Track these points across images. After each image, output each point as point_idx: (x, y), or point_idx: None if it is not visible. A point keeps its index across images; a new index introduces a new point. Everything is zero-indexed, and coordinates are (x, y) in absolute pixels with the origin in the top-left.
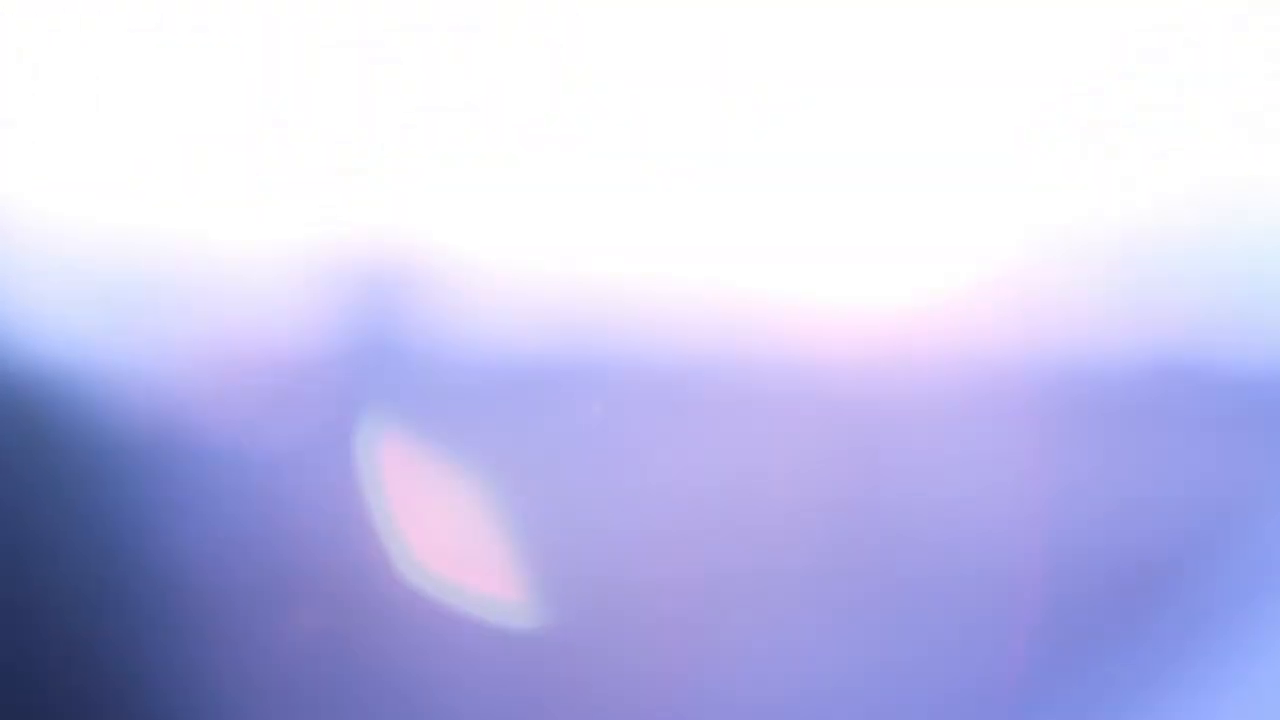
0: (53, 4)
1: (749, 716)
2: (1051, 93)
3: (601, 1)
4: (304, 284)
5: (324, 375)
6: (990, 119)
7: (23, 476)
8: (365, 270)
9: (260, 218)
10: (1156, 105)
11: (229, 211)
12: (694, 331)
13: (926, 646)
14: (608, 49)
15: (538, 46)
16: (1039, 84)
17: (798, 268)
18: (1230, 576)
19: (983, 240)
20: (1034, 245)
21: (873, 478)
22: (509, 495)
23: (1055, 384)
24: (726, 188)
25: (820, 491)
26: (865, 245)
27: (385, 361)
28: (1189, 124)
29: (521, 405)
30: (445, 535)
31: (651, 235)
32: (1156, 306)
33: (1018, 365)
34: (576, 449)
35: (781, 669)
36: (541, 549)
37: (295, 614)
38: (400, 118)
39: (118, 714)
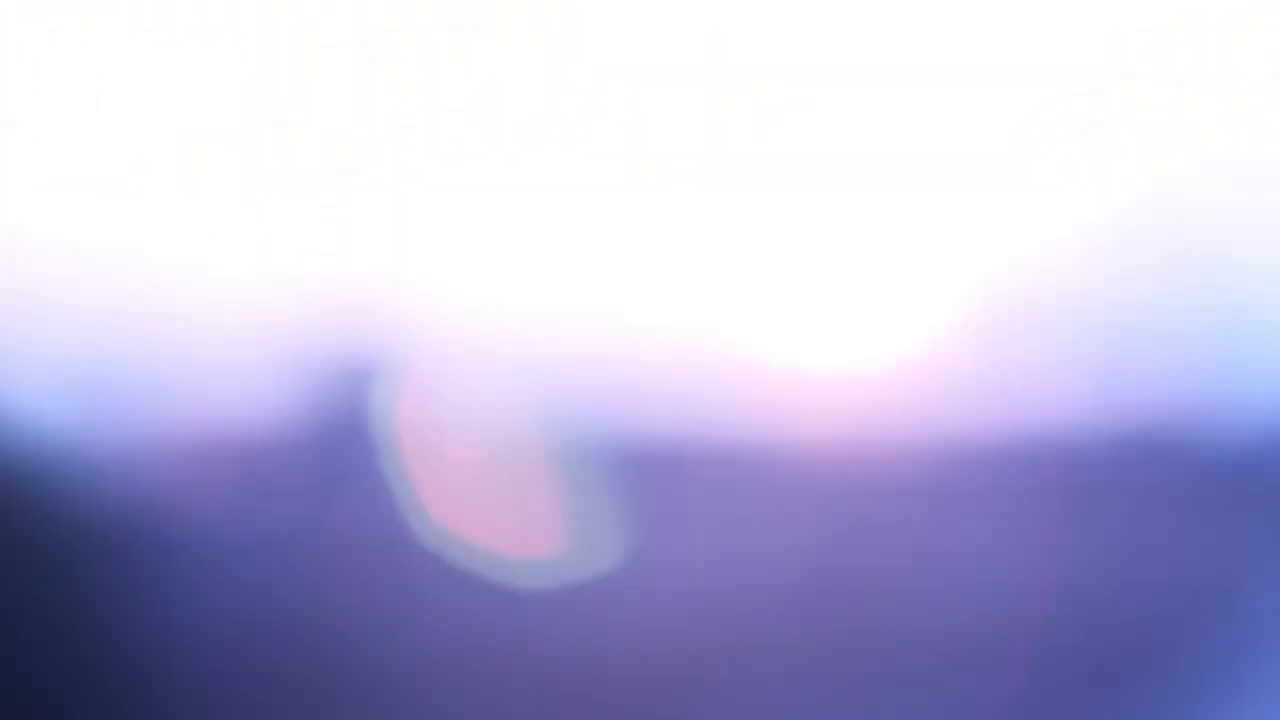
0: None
1: None
2: (1035, 132)
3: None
4: (283, 367)
5: (304, 459)
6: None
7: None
8: (347, 352)
9: (239, 301)
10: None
11: (208, 295)
12: (680, 414)
13: None
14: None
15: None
16: (1017, 112)
17: (783, 335)
18: (1212, 651)
19: (970, 315)
20: (1021, 318)
21: (859, 558)
22: (495, 574)
23: (1039, 462)
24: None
25: (806, 572)
26: (848, 310)
27: (366, 444)
28: (1184, 147)
29: (507, 486)
30: (428, 620)
31: (633, 308)
32: (1137, 383)
33: (1004, 445)
34: (565, 528)
35: None
36: (530, 632)
37: (277, 698)
38: (380, 187)
39: None
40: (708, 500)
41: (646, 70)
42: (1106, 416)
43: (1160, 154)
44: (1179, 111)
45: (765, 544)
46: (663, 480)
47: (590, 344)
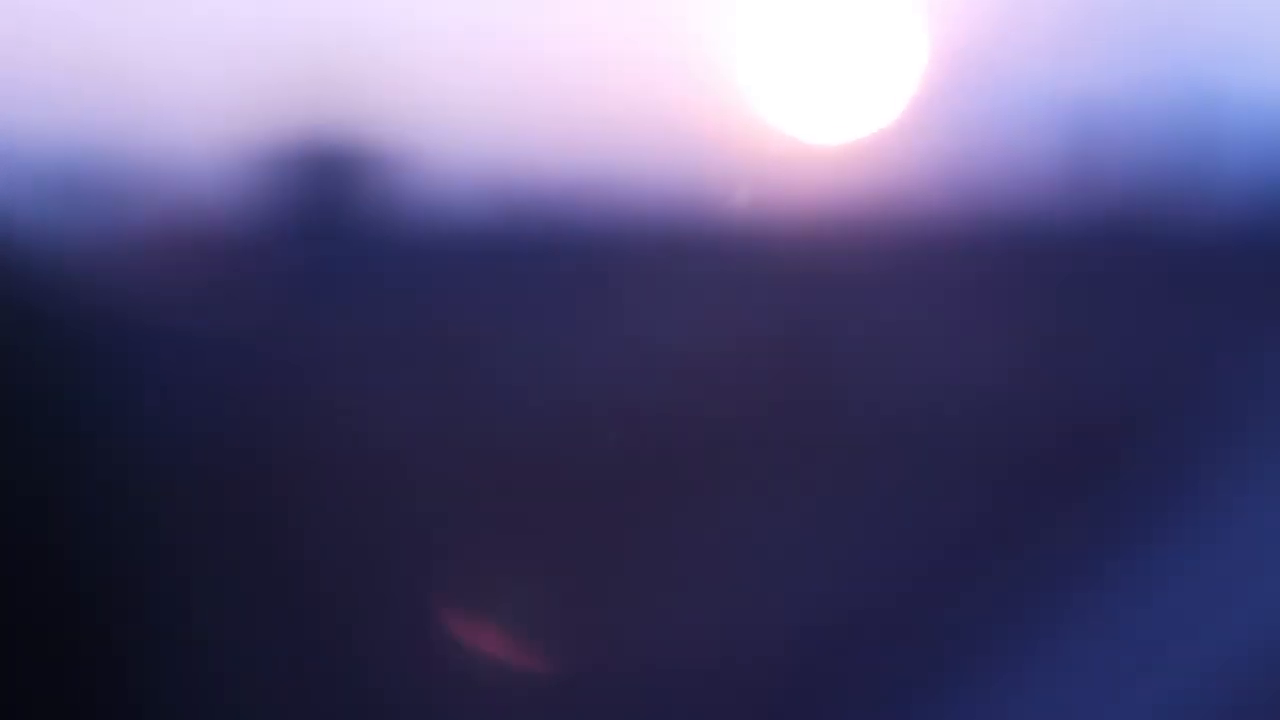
0: None
1: (716, 592)
2: None
3: None
4: (254, 167)
5: (277, 257)
6: None
7: None
8: (313, 151)
9: (209, 103)
10: None
11: (178, 98)
12: (643, 201)
13: (890, 513)
14: None
15: None
16: None
17: (745, 114)
18: (1183, 442)
19: (936, 95)
20: (990, 98)
21: (833, 344)
22: (463, 369)
23: (1007, 249)
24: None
25: (777, 358)
26: (810, 87)
27: (335, 241)
28: None
29: (472, 280)
30: (398, 406)
31: (603, 82)
32: (1112, 169)
33: (970, 231)
34: (529, 325)
35: (748, 537)
36: (498, 423)
37: (245, 495)
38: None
39: (69, 592)
40: (671, 289)
41: None
42: (1079, 202)
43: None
44: None
45: (723, 331)
46: (628, 267)
47: (561, 123)
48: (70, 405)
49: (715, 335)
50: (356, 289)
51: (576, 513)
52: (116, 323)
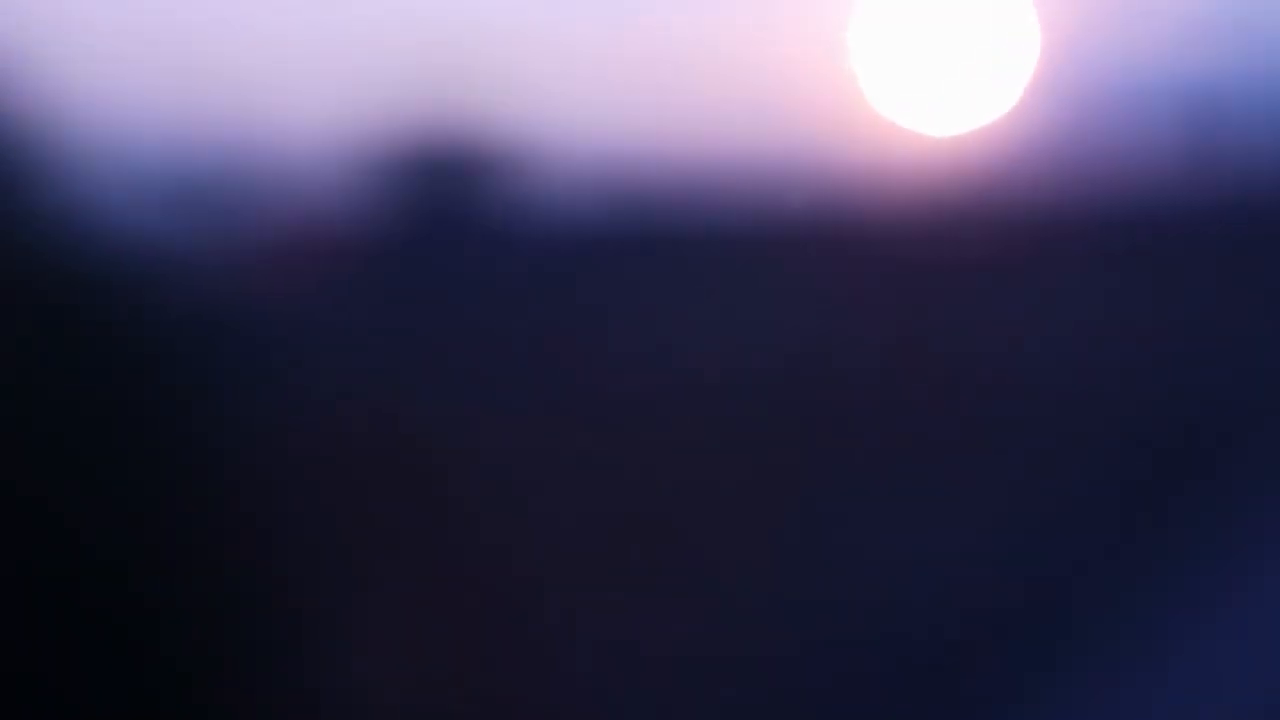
0: None
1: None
2: None
3: None
4: (358, 171)
5: (380, 260)
6: None
7: (84, 364)
8: (416, 155)
9: (313, 105)
10: None
11: (282, 101)
12: (743, 194)
13: (976, 500)
14: None
15: None
16: None
17: (845, 103)
18: None
19: (1040, 84)
20: (1093, 94)
21: (928, 332)
22: (563, 369)
23: (1115, 232)
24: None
25: (876, 347)
26: (914, 73)
27: (439, 244)
28: None
29: (574, 280)
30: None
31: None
32: (1232, 155)
33: (1075, 213)
34: (635, 319)
35: (836, 524)
36: (602, 413)
37: (345, 494)
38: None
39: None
40: (794, 282)
41: None
42: (1199, 189)
43: None
44: None
45: (848, 324)
46: (747, 261)
47: (681, 121)
48: (195, 409)
49: (839, 328)
50: (480, 290)
51: (701, 499)
52: (242, 327)
